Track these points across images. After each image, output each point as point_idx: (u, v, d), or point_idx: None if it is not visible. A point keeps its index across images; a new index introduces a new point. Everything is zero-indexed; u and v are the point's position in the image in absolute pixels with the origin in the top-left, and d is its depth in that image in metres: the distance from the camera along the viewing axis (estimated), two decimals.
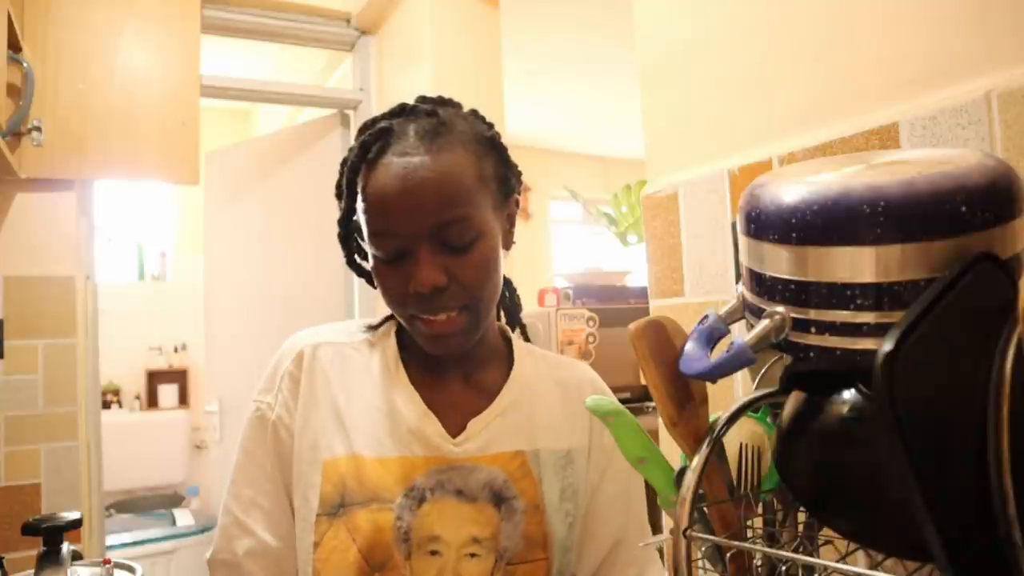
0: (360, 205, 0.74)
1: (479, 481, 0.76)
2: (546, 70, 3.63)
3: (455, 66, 2.20)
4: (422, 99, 0.80)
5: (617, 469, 0.85)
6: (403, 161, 0.71)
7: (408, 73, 2.32)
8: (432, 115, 0.76)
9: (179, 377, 4.15)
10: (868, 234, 0.46)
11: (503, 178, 0.79)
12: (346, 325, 0.87)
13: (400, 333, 0.85)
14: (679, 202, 1.12)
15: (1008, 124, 0.70)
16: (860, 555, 0.64)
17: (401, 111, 0.77)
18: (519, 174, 0.83)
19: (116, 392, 3.95)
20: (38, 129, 1.82)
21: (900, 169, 0.50)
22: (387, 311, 0.87)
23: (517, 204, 0.83)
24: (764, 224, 0.52)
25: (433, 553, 0.73)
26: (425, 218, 0.70)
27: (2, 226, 1.87)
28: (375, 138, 0.74)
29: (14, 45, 1.75)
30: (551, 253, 5.27)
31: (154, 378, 4.09)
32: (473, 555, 0.74)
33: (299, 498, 0.76)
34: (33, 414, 1.85)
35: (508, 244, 0.81)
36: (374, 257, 0.75)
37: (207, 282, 2.87)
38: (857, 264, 0.47)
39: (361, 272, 0.82)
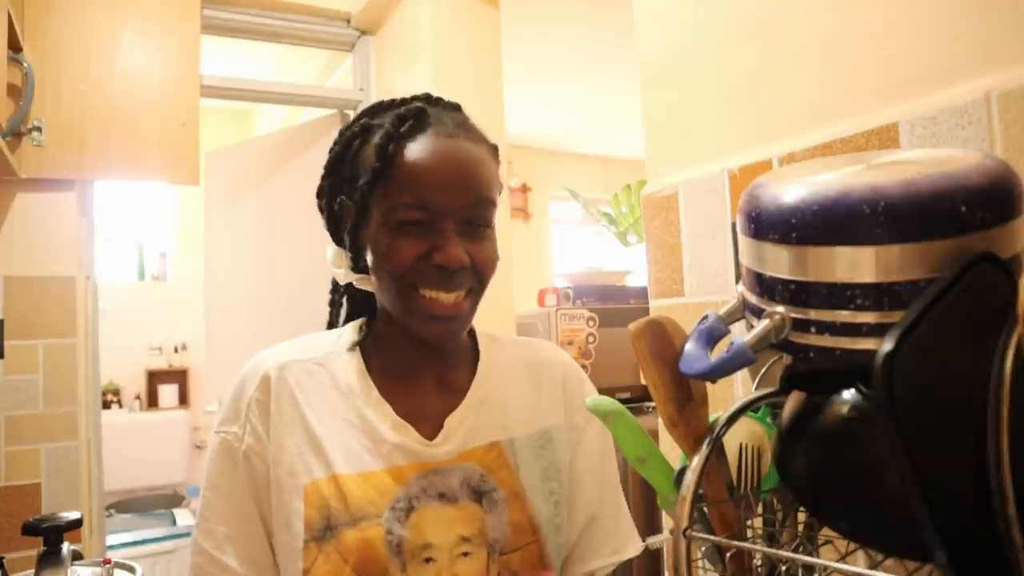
0: (389, 173, 0.74)
1: (457, 480, 0.76)
2: (546, 70, 3.63)
3: (455, 66, 2.20)
4: (441, 98, 0.84)
5: (589, 445, 0.86)
6: (448, 141, 0.75)
7: (408, 73, 2.32)
8: (458, 110, 0.82)
9: (179, 377, 4.15)
10: (868, 234, 0.46)
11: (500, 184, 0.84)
12: (309, 339, 0.85)
13: (365, 342, 0.84)
14: (679, 202, 1.12)
15: (1008, 124, 0.70)
16: (860, 555, 0.64)
17: (428, 99, 0.82)
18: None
19: (116, 392, 3.95)
20: (38, 129, 1.82)
21: (900, 169, 0.50)
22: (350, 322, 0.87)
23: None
24: (764, 224, 0.52)
25: (427, 560, 0.73)
26: (464, 194, 0.74)
27: (2, 226, 1.87)
28: (413, 115, 0.76)
29: (14, 45, 1.75)
30: (551, 253, 5.26)
31: (154, 378, 4.09)
32: (466, 554, 0.74)
33: (281, 526, 0.74)
34: (33, 414, 1.85)
35: None
36: (389, 225, 0.74)
37: (207, 282, 2.87)
38: (857, 264, 0.47)
39: (355, 246, 0.80)
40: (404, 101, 0.81)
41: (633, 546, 0.87)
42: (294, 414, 0.77)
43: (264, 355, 0.82)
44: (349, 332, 0.85)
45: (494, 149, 0.82)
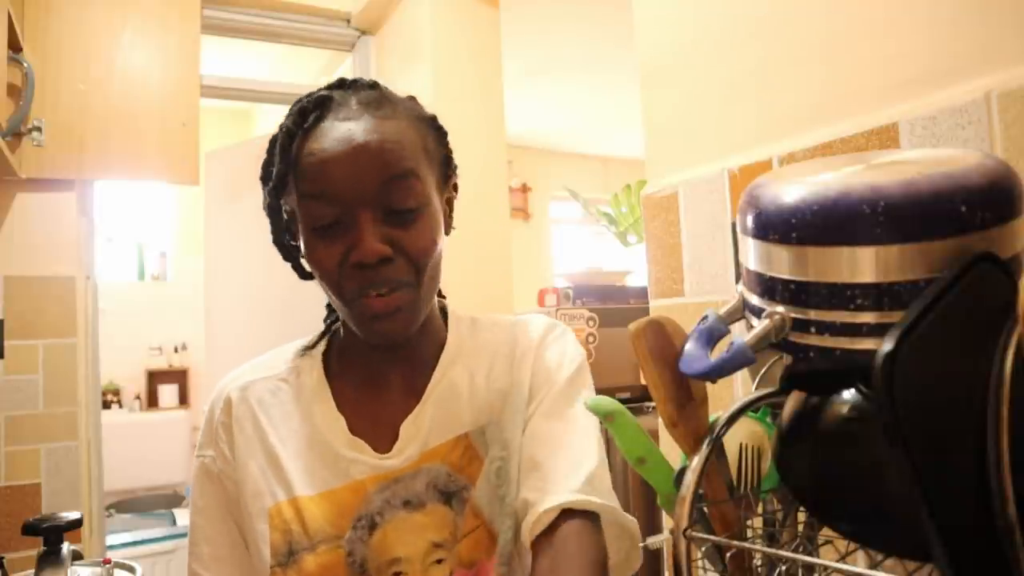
0: (295, 171, 0.69)
1: (422, 483, 0.72)
2: (546, 70, 3.63)
3: (455, 66, 2.20)
4: (358, 79, 0.78)
5: (549, 400, 0.77)
6: (346, 125, 0.68)
7: (408, 73, 2.32)
8: (374, 88, 0.75)
9: (179, 377, 4.15)
10: (868, 234, 0.46)
11: (444, 159, 0.77)
12: (277, 354, 0.82)
13: (331, 350, 0.81)
14: (679, 202, 1.12)
15: (1008, 124, 0.70)
16: (860, 555, 0.64)
17: (341, 84, 0.75)
18: (455, 164, 0.80)
19: (116, 392, 3.95)
20: (38, 129, 1.82)
21: (900, 169, 0.50)
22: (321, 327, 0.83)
23: (456, 189, 0.79)
24: (764, 224, 0.52)
25: (397, 575, 0.70)
26: (369, 178, 0.66)
27: (2, 226, 1.87)
28: (315, 105, 0.70)
29: (14, 45, 1.75)
30: (551, 253, 5.27)
31: (154, 378, 4.10)
32: (439, 561, 0.71)
33: (253, 549, 0.73)
34: (33, 414, 1.85)
35: (448, 229, 0.77)
36: (307, 229, 0.69)
37: (207, 282, 2.87)
38: (857, 264, 0.47)
39: (288, 253, 0.77)
40: (314, 92, 0.74)
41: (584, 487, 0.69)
42: (256, 436, 0.75)
43: (229, 377, 0.80)
44: (312, 342, 0.82)
45: (423, 120, 0.74)
